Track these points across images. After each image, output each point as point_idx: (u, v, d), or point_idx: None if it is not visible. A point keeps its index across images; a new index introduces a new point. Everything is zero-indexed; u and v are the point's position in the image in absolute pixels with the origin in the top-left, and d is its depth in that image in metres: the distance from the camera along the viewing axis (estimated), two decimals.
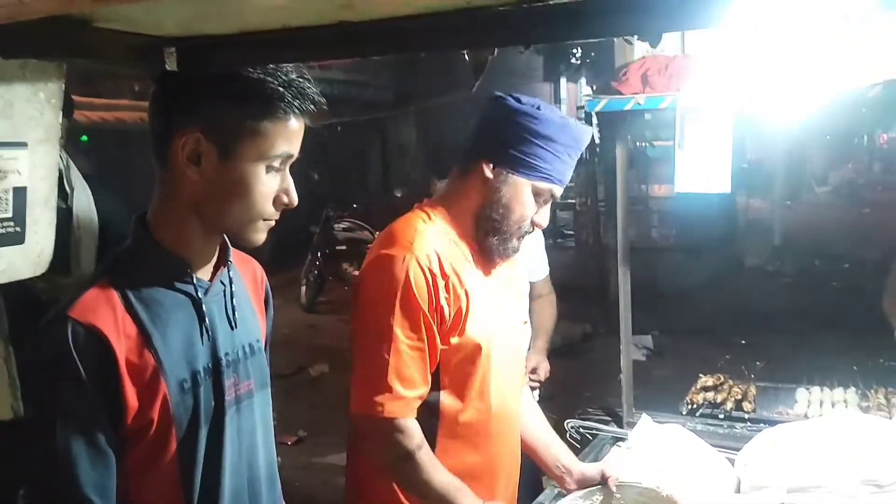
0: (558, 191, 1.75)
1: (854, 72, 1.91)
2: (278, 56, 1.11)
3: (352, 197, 9.93)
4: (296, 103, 1.22)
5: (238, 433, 1.34)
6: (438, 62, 11.01)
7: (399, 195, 10.58)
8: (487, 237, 1.74)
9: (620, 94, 2.21)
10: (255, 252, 1.48)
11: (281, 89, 1.21)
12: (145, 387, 1.21)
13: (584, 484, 1.89)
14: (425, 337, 1.63)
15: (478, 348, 1.70)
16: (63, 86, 1.14)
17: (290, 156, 1.27)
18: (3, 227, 1.14)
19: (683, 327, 7.01)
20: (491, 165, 1.70)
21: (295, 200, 1.29)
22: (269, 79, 1.21)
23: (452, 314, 1.66)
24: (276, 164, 1.25)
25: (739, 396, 2.61)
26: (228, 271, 1.37)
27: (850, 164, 17.63)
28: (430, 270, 1.62)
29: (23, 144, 1.11)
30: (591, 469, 1.91)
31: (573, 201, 11.11)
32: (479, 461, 1.76)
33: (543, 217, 1.77)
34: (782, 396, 2.70)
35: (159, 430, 1.24)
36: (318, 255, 8.94)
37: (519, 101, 1.70)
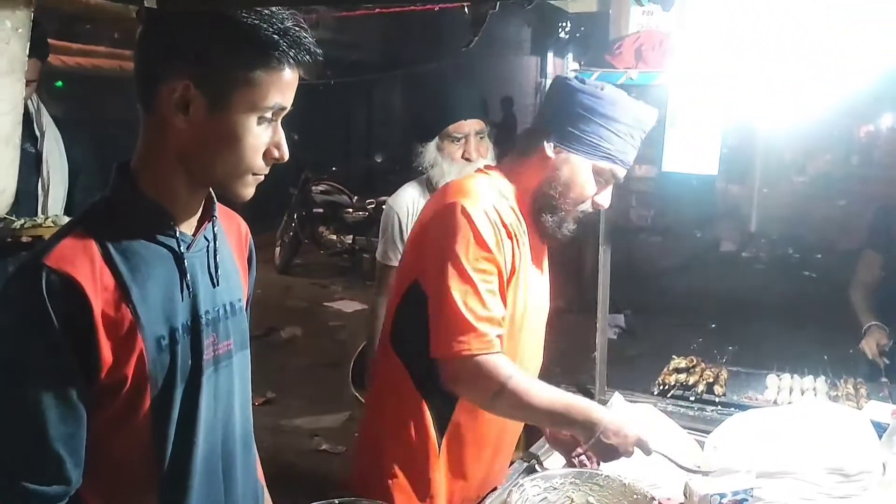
0: (621, 171, 1.77)
1: (838, 64, 1.90)
2: (268, 0, 1.04)
3: (332, 160, 9.80)
4: (291, 53, 1.17)
5: (214, 394, 1.30)
6: (429, 28, 10.87)
7: (380, 161, 10.50)
8: (543, 215, 1.77)
9: (613, 67, 2.17)
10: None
11: (276, 37, 1.15)
12: (121, 342, 1.16)
13: (557, 440, 1.97)
14: (496, 278, 1.68)
15: (515, 315, 1.74)
16: (32, 15, 1.07)
17: (283, 108, 1.21)
18: None
19: (656, 308, 7.06)
20: (552, 144, 1.73)
21: (286, 155, 1.24)
22: (264, 26, 1.14)
23: (507, 271, 1.71)
24: (268, 115, 1.20)
25: (711, 380, 2.63)
26: (213, 226, 1.31)
27: (829, 156, 17.75)
28: (492, 220, 1.67)
29: None
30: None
31: None
32: (491, 424, 1.81)
33: (605, 198, 1.80)
34: (753, 382, 2.72)
35: (133, 387, 1.19)
36: (295, 216, 8.85)
37: (582, 81, 1.74)
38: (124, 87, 1.22)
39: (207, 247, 1.30)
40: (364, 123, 13.54)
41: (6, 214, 2.24)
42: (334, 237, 8.97)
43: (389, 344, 1.81)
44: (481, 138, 2.58)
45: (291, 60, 1.18)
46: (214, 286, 1.31)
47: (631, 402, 2.35)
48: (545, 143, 1.74)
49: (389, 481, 1.77)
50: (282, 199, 8.71)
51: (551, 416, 1.73)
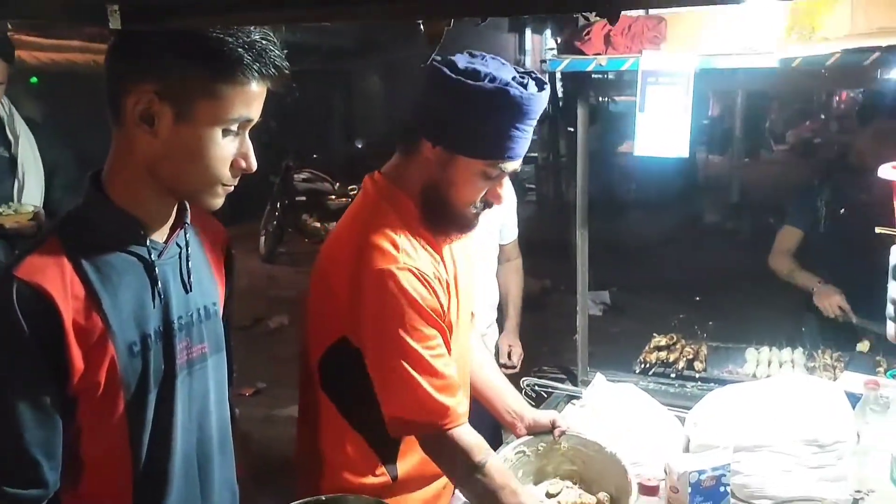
0: (511, 166, 1.58)
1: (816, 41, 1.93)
2: (233, 19, 1.04)
3: (312, 147, 9.77)
4: (255, 67, 1.17)
5: (189, 397, 1.33)
6: None
7: (360, 146, 10.46)
8: (435, 219, 1.62)
9: (583, 53, 2.18)
10: None
11: (241, 51, 1.16)
12: (92, 349, 1.20)
13: (535, 430, 1.91)
14: (440, 336, 1.58)
15: (450, 329, 1.68)
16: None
17: (250, 120, 1.23)
18: None
19: (640, 283, 7.11)
20: (431, 145, 1.54)
21: (253, 166, 1.25)
22: (229, 39, 1.15)
23: (446, 306, 1.63)
24: (234, 128, 1.21)
25: (691, 356, 2.67)
26: (185, 233, 1.33)
27: (808, 123, 17.85)
28: (424, 275, 1.55)
29: None
30: (542, 416, 1.93)
31: (535, 156, 11.11)
32: None
33: (498, 195, 1.63)
34: (732, 356, 2.77)
35: (107, 392, 1.23)
36: (278, 205, 8.83)
37: (454, 68, 1.48)
38: (100, 83, 1.24)
39: (180, 253, 1.33)
40: (344, 110, 13.46)
41: None
42: (318, 225, 8.96)
43: (321, 388, 1.68)
44: None
45: (256, 74, 1.18)
46: (187, 292, 1.33)
47: (613, 381, 2.39)
48: (423, 141, 1.56)
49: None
50: (263, 188, 8.69)
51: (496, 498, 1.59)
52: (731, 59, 1.98)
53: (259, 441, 4.38)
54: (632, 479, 1.72)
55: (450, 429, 1.57)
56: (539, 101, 1.52)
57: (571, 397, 2.47)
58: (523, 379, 2.57)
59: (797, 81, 2.44)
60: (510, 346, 2.91)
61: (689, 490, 1.67)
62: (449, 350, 1.64)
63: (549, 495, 1.81)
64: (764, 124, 16.20)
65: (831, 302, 2.97)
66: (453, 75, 1.47)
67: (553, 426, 1.88)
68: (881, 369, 2.50)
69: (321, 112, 12.71)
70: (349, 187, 8.79)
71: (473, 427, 1.75)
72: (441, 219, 1.62)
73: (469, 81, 1.46)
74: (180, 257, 1.33)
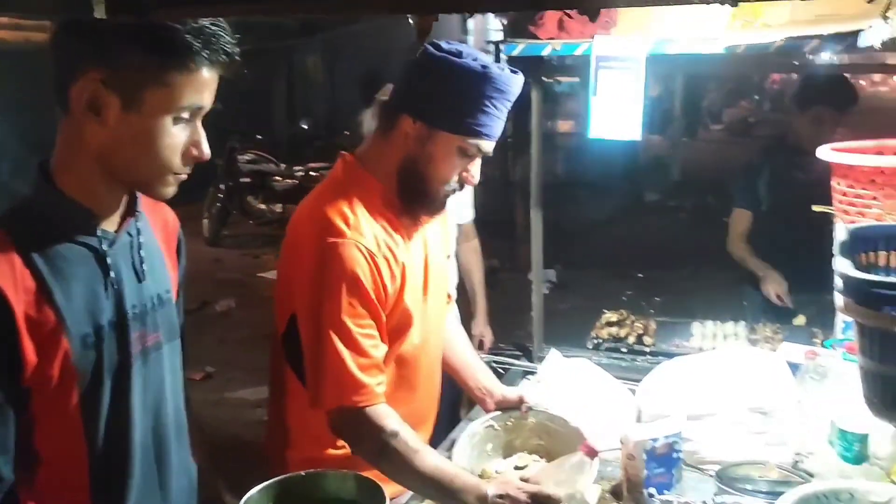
0: (487, 145, 1.64)
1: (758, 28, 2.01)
2: (222, 10, 1.04)
3: (256, 128, 9.61)
4: (205, 53, 1.15)
5: (144, 385, 1.32)
6: None
7: (306, 127, 10.33)
8: (411, 197, 1.67)
9: (537, 38, 2.23)
10: None
11: (189, 37, 1.13)
12: (45, 342, 1.18)
13: (504, 406, 1.96)
14: (374, 320, 1.61)
15: (410, 317, 1.70)
16: None
17: (201, 107, 1.21)
18: None
19: (585, 261, 7.25)
20: (412, 120, 1.61)
21: (206, 154, 1.24)
22: (178, 26, 1.13)
23: (393, 291, 1.65)
24: (185, 115, 1.20)
25: (641, 331, 2.78)
26: (136, 222, 1.32)
27: (743, 103, 18.35)
28: (371, 253, 1.59)
29: None
30: (512, 392, 1.98)
31: None
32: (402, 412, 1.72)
33: (471, 174, 1.69)
34: (679, 330, 2.88)
35: (61, 384, 1.21)
36: (222, 187, 8.69)
37: (439, 48, 1.58)
38: (32, 62, 1.22)
39: (131, 242, 1.31)
40: (287, 89, 13.23)
41: None
42: (263, 206, 8.86)
43: (284, 357, 1.74)
44: None
45: (206, 60, 1.16)
46: (140, 281, 1.32)
47: (567, 356, 2.46)
48: (404, 119, 1.62)
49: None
50: (206, 170, 8.53)
51: (436, 484, 1.59)
52: (681, 45, 2.06)
53: (211, 425, 4.36)
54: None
55: (363, 406, 1.58)
56: (516, 83, 1.61)
57: (528, 373, 2.54)
58: (480, 356, 2.62)
59: (740, 66, 2.54)
60: (482, 335, 2.99)
61: (645, 457, 1.75)
62: (392, 335, 1.66)
63: (516, 468, 1.87)
64: (701, 104, 16.58)
65: (773, 290, 3.12)
66: (438, 53, 1.57)
67: (521, 402, 1.94)
68: (818, 340, 2.64)
69: (265, 92, 12.50)
70: (295, 168, 8.71)
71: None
72: (415, 197, 1.67)
73: (454, 59, 1.56)
74: (132, 246, 1.31)
